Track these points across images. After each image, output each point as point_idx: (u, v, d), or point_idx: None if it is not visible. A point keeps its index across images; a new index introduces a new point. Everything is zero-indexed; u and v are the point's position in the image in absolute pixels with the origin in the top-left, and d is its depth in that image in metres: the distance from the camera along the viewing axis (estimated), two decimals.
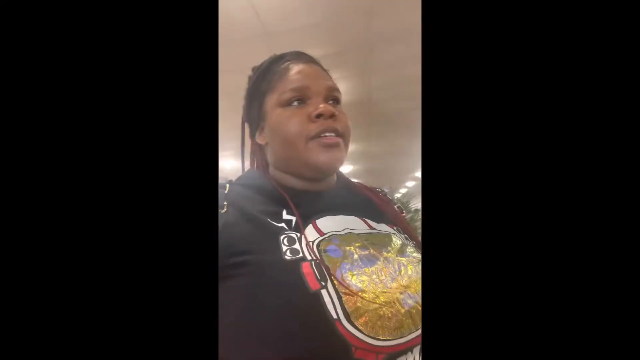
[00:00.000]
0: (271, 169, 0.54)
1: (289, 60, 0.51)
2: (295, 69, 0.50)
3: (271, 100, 0.50)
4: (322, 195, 0.51)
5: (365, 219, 0.50)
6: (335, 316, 0.34)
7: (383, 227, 0.50)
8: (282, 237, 0.42)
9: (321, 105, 0.47)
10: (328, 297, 0.35)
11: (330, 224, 0.46)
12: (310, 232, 0.44)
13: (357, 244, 0.44)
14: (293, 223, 0.44)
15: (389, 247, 0.46)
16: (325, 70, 0.54)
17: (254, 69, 0.55)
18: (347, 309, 0.35)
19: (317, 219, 0.47)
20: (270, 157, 0.54)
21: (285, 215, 0.45)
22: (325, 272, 0.38)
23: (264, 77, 0.52)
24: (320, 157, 0.46)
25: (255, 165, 0.57)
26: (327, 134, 0.47)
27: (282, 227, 0.43)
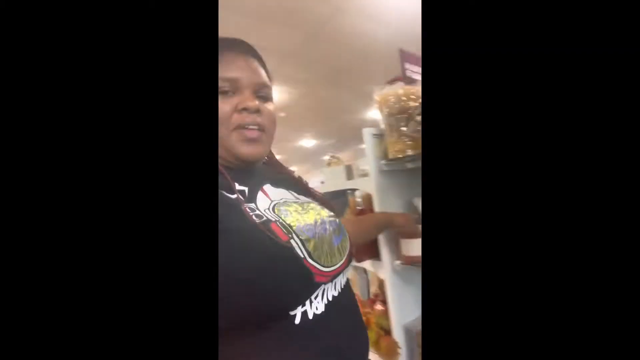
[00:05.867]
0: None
1: (226, 48, 0.51)
2: (229, 58, 0.50)
3: None
4: (257, 169, 0.57)
5: (292, 192, 0.60)
6: (302, 255, 0.45)
7: (303, 199, 0.60)
8: (243, 207, 0.46)
9: (247, 100, 0.50)
10: (295, 244, 0.46)
11: (272, 192, 0.55)
12: (262, 198, 0.52)
13: (291, 208, 0.53)
14: (247, 193, 0.51)
15: (310, 206, 0.57)
16: (263, 63, 0.56)
17: None
18: (309, 250, 0.47)
19: (263, 185, 0.55)
20: None
21: (238, 187, 0.50)
22: (288, 227, 0.47)
23: None
24: (242, 149, 0.50)
25: None
26: (250, 127, 0.50)
27: (237, 198, 0.47)
